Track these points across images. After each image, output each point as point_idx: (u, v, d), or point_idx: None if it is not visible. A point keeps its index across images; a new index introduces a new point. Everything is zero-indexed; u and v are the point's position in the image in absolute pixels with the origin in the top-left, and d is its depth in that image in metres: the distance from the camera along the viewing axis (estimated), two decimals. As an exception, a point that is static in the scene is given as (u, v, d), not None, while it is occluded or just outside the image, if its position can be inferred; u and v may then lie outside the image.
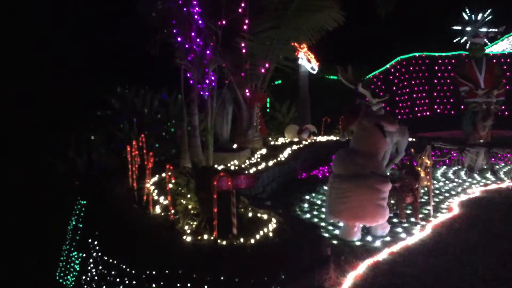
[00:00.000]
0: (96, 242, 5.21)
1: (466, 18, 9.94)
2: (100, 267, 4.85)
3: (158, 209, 5.42)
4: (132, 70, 13.59)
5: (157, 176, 6.89)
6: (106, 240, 5.04)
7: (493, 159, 8.55)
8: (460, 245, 5.25)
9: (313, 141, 11.12)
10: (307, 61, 12.87)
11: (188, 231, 4.58)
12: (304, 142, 10.76)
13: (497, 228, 5.79)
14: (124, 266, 4.30)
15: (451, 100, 13.62)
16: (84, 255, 5.71)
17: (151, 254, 4.24)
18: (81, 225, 6.50)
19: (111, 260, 4.56)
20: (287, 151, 9.46)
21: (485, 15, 9.73)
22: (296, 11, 8.85)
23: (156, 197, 5.81)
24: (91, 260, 5.29)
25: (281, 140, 11.24)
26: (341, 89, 9.31)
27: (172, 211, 4.99)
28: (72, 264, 6.26)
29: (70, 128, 9.80)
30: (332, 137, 11.49)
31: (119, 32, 13.79)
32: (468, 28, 9.85)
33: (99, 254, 4.95)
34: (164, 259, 4.08)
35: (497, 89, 8.85)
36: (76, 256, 6.18)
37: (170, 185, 5.30)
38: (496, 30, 9.82)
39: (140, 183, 6.13)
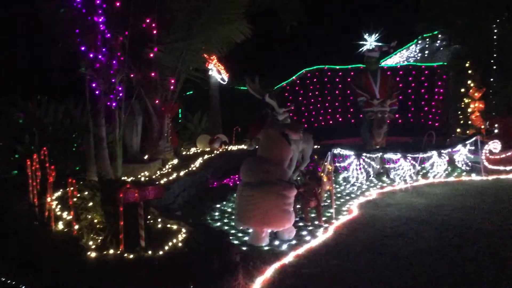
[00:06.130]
0: (-8, 264, 4.87)
1: (363, 34, 10.74)
2: (-3, 290, 4.55)
3: (61, 225, 5.20)
4: (34, 80, 12.83)
5: (61, 190, 6.60)
6: (3, 260, 4.73)
7: (388, 163, 9.29)
8: (359, 244, 5.64)
9: (224, 150, 11.30)
10: (218, 72, 13.09)
11: (93, 247, 4.46)
12: (215, 152, 10.89)
13: (391, 227, 6.32)
14: (24, 287, 4.08)
15: (351, 110, 14.58)
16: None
17: (53, 272, 4.07)
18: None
19: (9, 281, 4.29)
20: (199, 161, 9.53)
21: (379, 32, 10.59)
22: (205, 24, 9.00)
23: (59, 213, 5.56)
24: (-14, 284, 4.94)
25: (193, 150, 11.27)
26: (251, 100, 9.60)
27: (76, 227, 4.82)
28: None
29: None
30: (243, 146, 11.75)
31: (20, 40, 12.97)
32: (364, 43, 10.66)
33: (-4, 276, 4.64)
34: (67, 277, 3.94)
35: (390, 99, 9.70)
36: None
37: (75, 199, 5.12)
38: (389, 45, 10.72)
39: (42, 199, 5.83)
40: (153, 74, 8.36)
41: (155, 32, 8.24)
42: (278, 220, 5.63)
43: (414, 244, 5.59)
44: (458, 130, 12.32)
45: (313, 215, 6.78)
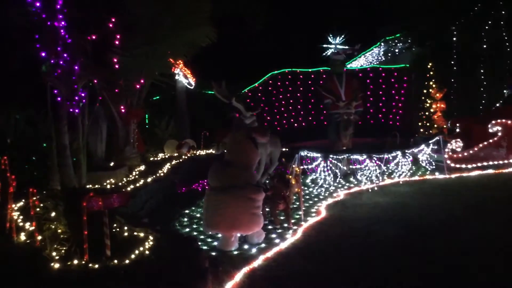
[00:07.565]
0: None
1: (328, 38, 10.89)
2: (-46, 307, 4.34)
3: (23, 236, 5.03)
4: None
5: (24, 200, 6.38)
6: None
7: (355, 164, 9.42)
8: (328, 245, 5.68)
9: (192, 155, 11.21)
10: (184, 77, 13.00)
11: (57, 257, 4.33)
12: (183, 157, 10.79)
13: (359, 227, 6.40)
14: (-17, 302, 3.92)
15: (318, 112, 14.73)
16: None
17: (14, 285, 3.92)
18: None
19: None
20: (167, 167, 9.41)
21: (344, 35, 10.77)
22: (170, 28, 8.91)
23: (21, 223, 5.37)
24: None
25: (160, 156, 11.14)
26: (218, 104, 9.58)
27: (39, 237, 4.67)
28: None
29: None
30: (212, 151, 11.70)
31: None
32: (330, 47, 10.80)
33: (-47, 292, 4.44)
34: (29, 290, 3.81)
35: (355, 101, 9.86)
36: None
37: (37, 209, 4.96)
38: (353, 47, 10.91)
39: (2, 209, 5.62)
40: (121, 81, 8.24)
41: (118, 36, 8.11)
42: (247, 224, 5.61)
43: (381, 243, 5.68)
44: (421, 130, 12.65)
45: (282, 217, 6.79)
